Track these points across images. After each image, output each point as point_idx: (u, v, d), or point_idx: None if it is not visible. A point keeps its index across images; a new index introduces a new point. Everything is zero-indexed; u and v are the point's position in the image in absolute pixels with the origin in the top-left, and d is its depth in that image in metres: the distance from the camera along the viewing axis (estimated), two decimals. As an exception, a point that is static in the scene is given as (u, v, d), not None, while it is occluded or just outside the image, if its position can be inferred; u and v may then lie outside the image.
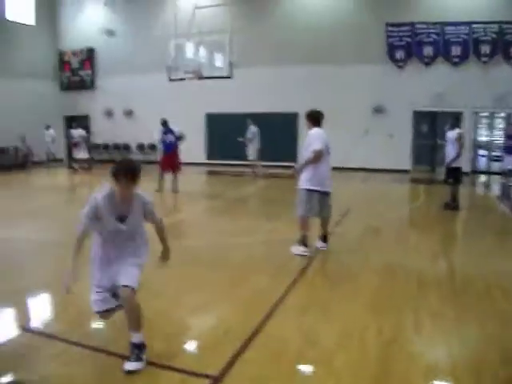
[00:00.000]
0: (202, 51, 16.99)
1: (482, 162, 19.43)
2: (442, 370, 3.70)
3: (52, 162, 20.65)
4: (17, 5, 21.34)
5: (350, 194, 13.02)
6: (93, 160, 21.23)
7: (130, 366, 3.61)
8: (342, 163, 15.54)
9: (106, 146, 23.15)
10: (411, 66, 17.41)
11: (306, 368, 3.78)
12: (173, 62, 15.20)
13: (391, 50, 17.48)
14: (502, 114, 18.42)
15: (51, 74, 23.36)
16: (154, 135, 13.42)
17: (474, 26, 16.42)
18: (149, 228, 4.05)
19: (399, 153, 17.57)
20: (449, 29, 16.72)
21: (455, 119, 10.79)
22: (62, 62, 23.60)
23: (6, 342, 4.28)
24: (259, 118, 17.86)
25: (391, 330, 4.31)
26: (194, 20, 15.16)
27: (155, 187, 12.85)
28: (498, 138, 18.97)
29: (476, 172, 17.82)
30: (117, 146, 22.86)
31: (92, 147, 22.55)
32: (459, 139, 10.03)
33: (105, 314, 3.95)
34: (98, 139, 23.01)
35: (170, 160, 13.01)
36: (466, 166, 13.85)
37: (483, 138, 20.13)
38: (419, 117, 17.76)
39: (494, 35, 16.31)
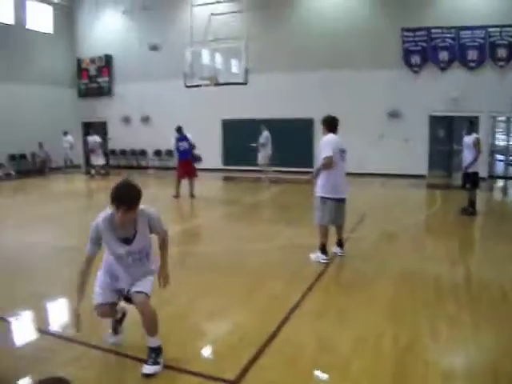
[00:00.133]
0: (218, 58, 17.14)
1: (500, 167, 19.27)
2: (458, 376, 3.69)
3: (69, 167, 20.95)
4: (36, 14, 21.72)
5: (366, 199, 12.98)
6: (108, 166, 21.49)
7: (147, 369, 3.66)
8: (358, 169, 15.52)
9: (123, 152, 23.34)
10: (427, 71, 17.32)
11: (321, 374, 3.80)
12: (189, 69, 15.29)
13: (407, 55, 17.42)
14: (520, 119, 18.26)
15: (69, 81, 23.67)
16: (171, 142, 13.53)
17: (490, 29, 16.29)
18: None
19: (415, 158, 17.49)
20: (465, 33, 16.62)
21: (472, 124, 10.70)
22: (80, 70, 23.88)
23: (25, 345, 4.36)
24: (275, 124, 17.94)
25: (407, 337, 4.30)
26: (210, 27, 15.29)
27: (172, 193, 13.00)
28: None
29: (493, 177, 17.65)
30: (134, 152, 23.04)
31: (109, 153, 22.84)
32: (477, 144, 9.96)
33: (104, 308, 3.85)
34: (116, 145, 23.23)
35: (185, 166, 13.09)
36: (483, 171, 13.71)
37: (500, 142, 19.97)
38: (435, 122, 17.65)
39: (510, 39, 16.14)
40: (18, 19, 20.71)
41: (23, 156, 21.17)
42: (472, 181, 10.24)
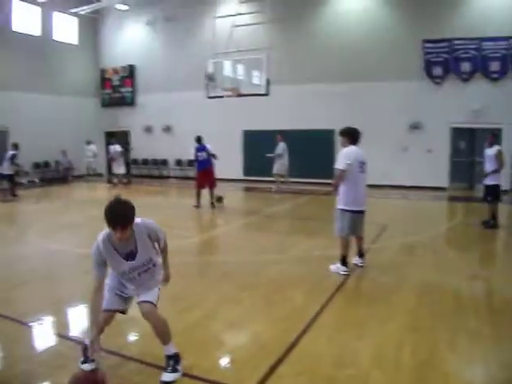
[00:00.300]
0: (240, 69, 17.28)
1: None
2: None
3: (92, 176, 21.26)
4: (62, 25, 22.21)
5: (387, 211, 12.94)
6: (130, 175, 21.73)
7: (166, 377, 3.71)
8: (379, 180, 15.46)
9: (145, 162, 23.56)
10: (448, 83, 17.22)
11: (340, 385, 3.81)
12: (211, 80, 15.42)
13: (428, 66, 17.34)
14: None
15: (93, 91, 24.05)
16: (191, 151, 13.62)
17: (513, 40, 16.19)
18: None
19: (436, 170, 17.38)
20: (487, 44, 16.50)
21: (494, 136, 10.61)
22: (103, 80, 24.25)
23: (45, 349, 4.46)
24: (296, 135, 18.07)
25: (427, 349, 4.30)
26: (232, 38, 15.42)
27: (193, 202, 13.09)
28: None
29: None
30: (155, 162, 23.25)
31: (131, 163, 23.09)
32: (498, 156, 9.90)
33: (107, 315, 3.81)
34: (138, 155, 23.48)
35: (205, 177, 13.18)
36: (505, 184, 13.62)
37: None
38: (457, 133, 17.52)
39: (533, 50, 16.04)
40: (44, 31, 21.22)
41: (47, 164, 21.55)
42: (493, 193, 10.15)
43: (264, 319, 5.17)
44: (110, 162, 20.60)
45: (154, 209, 12.82)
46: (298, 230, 11.09)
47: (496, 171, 9.95)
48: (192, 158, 13.87)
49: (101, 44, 24.28)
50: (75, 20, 22.90)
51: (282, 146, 16.63)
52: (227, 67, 16.62)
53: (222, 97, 15.82)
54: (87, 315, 3.74)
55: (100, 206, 3.72)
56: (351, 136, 6.85)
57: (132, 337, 4.74)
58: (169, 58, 21.96)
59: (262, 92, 14.98)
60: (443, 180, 17.46)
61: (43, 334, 4.84)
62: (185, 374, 3.79)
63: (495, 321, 5.00)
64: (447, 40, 16.96)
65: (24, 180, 19.17)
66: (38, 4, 20.56)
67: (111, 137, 22.12)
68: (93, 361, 3.76)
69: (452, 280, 6.50)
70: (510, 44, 16.21)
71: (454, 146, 17.61)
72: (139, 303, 3.81)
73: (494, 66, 16.48)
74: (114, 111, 24.10)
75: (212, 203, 13.22)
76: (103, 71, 24.17)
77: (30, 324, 4.97)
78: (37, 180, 20.04)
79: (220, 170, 14.10)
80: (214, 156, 13.23)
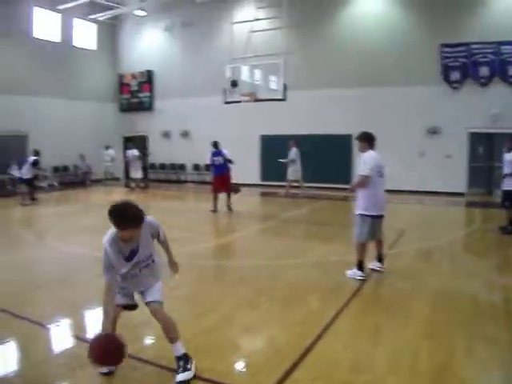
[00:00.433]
0: (257, 74, 17.33)
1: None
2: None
3: (110, 180, 21.47)
4: (81, 31, 22.54)
5: (405, 216, 12.87)
6: (147, 180, 21.91)
7: (179, 377, 3.76)
8: (397, 186, 15.38)
9: (162, 166, 23.72)
10: (466, 87, 17.08)
11: (355, 390, 3.81)
12: (229, 85, 15.49)
13: (446, 70, 17.23)
14: None
15: (111, 96, 24.33)
16: (207, 156, 13.69)
17: (532, 44, 16.04)
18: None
19: (454, 175, 17.24)
20: (505, 48, 16.34)
21: (513, 141, 10.51)
22: (122, 85, 24.50)
23: (63, 351, 4.53)
24: (313, 140, 18.12)
25: (444, 355, 4.28)
26: (250, 43, 15.47)
27: (210, 207, 13.15)
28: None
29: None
30: (173, 166, 23.39)
31: (148, 167, 23.26)
32: (517, 161, 9.82)
33: (116, 310, 3.91)
34: (156, 159, 23.64)
35: (221, 181, 13.26)
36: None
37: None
38: (475, 138, 17.37)
39: (552, 54, 15.87)
40: (64, 37, 21.57)
41: (66, 168, 21.81)
42: (511, 199, 10.05)
43: (280, 324, 5.18)
44: (127, 166, 20.78)
45: (171, 213, 12.90)
46: (315, 235, 11.08)
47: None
48: (208, 162, 13.95)
49: (119, 49, 24.57)
50: (94, 26, 23.22)
51: (294, 152, 16.64)
52: (245, 72, 16.68)
53: (239, 102, 15.87)
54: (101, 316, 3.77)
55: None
56: (370, 141, 6.85)
57: (148, 340, 4.77)
58: (186, 63, 22.12)
59: (280, 97, 15.00)
60: (461, 185, 17.31)
61: (61, 336, 4.91)
62: (200, 378, 3.82)
63: (513, 327, 4.97)
64: (465, 44, 16.83)
65: (44, 184, 19.42)
66: (58, 11, 20.88)
67: (129, 141, 22.30)
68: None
69: (469, 286, 6.45)
70: (528, 48, 16.06)
71: (472, 151, 17.45)
72: (147, 304, 3.88)
73: (513, 70, 16.33)
74: (132, 116, 24.34)
75: (228, 206, 13.27)
76: (121, 76, 24.43)
77: (48, 326, 5.05)
78: (56, 183, 20.30)
79: (237, 174, 14.17)
80: (230, 161, 13.30)
